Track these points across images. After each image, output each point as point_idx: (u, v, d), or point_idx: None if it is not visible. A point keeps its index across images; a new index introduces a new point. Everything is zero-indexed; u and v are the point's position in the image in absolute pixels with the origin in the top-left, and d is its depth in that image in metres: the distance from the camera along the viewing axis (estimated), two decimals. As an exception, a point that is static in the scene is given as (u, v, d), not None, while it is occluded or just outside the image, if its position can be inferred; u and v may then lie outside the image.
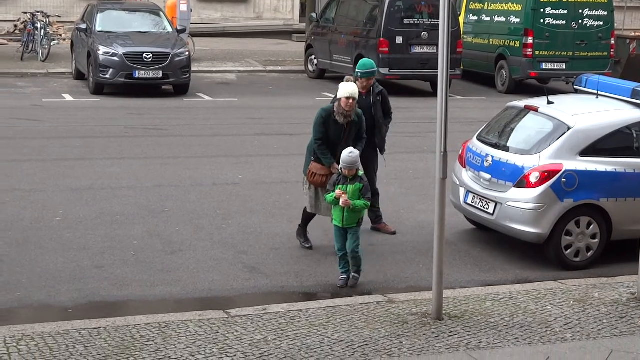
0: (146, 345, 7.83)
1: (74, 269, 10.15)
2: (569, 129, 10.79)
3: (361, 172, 9.95)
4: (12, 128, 18.22)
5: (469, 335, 8.31)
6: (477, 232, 12.08)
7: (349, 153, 9.79)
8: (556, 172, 10.55)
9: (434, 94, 20.88)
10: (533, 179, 10.61)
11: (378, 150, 11.89)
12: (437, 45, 8.61)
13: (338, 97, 10.61)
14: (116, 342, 7.87)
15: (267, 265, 10.51)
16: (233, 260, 10.62)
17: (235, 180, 14.49)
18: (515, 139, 11.38)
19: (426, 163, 15.49)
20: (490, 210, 11.01)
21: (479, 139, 11.79)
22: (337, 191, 9.75)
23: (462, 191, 11.61)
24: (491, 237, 11.77)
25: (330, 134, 10.69)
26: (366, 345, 7.99)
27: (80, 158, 15.70)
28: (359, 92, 11.47)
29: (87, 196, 13.16)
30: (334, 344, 8.00)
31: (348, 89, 10.50)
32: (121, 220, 12.02)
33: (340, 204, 9.70)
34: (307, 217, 11.17)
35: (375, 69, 11.82)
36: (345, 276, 9.94)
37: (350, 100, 10.49)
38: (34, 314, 8.97)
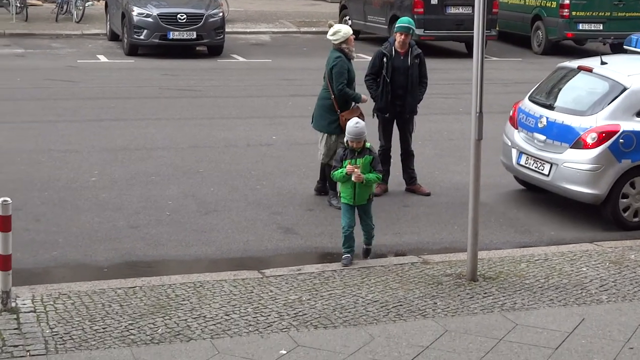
0: (181, 304, 7.88)
1: (110, 228, 10.21)
2: (625, 89, 10.68)
3: (369, 144, 9.24)
4: (47, 89, 18.29)
5: (503, 296, 8.28)
6: (512, 194, 12.01)
7: (355, 124, 9.14)
8: (614, 133, 10.46)
9: (469, 55, 20.70)
10: (590, 140, 10.53)
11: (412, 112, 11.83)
12: (473, 6, 8.52)
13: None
14: (151, 301, 7.92)
15: (301, 226, 10.52)
16: (267, 220, 10.64)
17: (270, 141, 14.48)
18: (569, 100, 11.28)
19: (461, 124, 15.40)
20: (546, 172, 10.94)
21: (531, 99, 11.68)
22: (348, 166, 9.01)
23: (514, 152, 11.56)
24: (527, 199, 11.71)
25: (352, 76, 11.16)
26: (400, 305, 7.99)
27: (115, 119, 15.75)
28: (397, 50, 11.49)
29: (122, 157, 13.21)
30: (368, 304, 8.00)
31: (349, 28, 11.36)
32: (156, 181, 12.07)
33: (353, 179, 8.99)
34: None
35: (412, 26, 11.74)
36: (349, 255, 9.10)
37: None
38: (71, 273, 9.04)
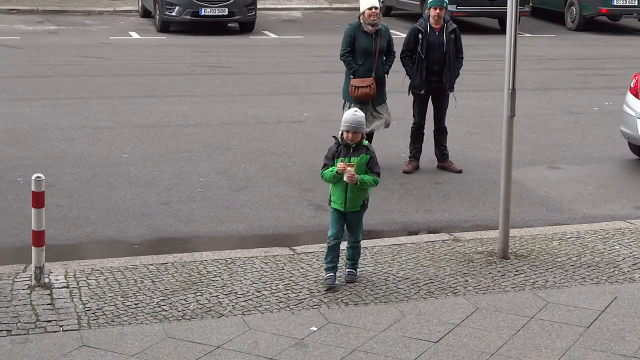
0: (213, 280, 7.91)
1: (141, 205, 10.25)
2: None
3: (366, 141, 7.81)
4: (80, 66, 18.38)
5: (535, 274, 8.25)
6: (543, 171, 11.94)
7: (354, 112, 7.74)
8: None
9: (502, 31, 20.58)
10: None
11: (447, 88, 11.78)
12: (506, -19, 8.45)
13: (361, 11, 11.31)
14: (183, 277, 7.96)
15: (332, 203, 10.50)
16: (298, 197, 10.65)
17: (301, 117, 14.48)
18: None
19: (493, 101, 15.32)
20: None
21: None
22: (340, 164, 7.60)
23: (639, 122, 11.54)
24: (558, 177, 11.64)
25: (361, 46, 11.33)
26: (431, 283, 7.98)
27: (147, 96, 15.80)
28: (432, 26, 11.47)
29: (154, 133, 13.26)
30: (398, 281, 8.00)
31: (367, 1, 11.20)
32: (187, 158, 12.10)
33: (345, 178, 7.58)
34: None
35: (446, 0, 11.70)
36: (332, 274, 7.82)
37: (373, 9, 11.19)
38: (103, 249, 9.10)
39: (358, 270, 8.05)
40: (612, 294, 7.81)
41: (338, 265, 7.89)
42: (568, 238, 9.27)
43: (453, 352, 6.65)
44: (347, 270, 7.99)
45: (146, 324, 7.01)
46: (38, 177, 7.54)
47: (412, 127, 11.89)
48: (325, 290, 7.68)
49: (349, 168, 7.53)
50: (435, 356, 6.59)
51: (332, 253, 7.82)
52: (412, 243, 9.02)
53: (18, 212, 9.73)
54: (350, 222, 7.87)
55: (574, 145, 13.27)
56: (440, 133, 11.93)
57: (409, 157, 11.89)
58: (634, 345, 6.83)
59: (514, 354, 6.65)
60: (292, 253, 8.69)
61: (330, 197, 7.83)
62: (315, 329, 6.99)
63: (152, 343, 6.68)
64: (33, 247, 7.58)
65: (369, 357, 6.57)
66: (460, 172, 11.79)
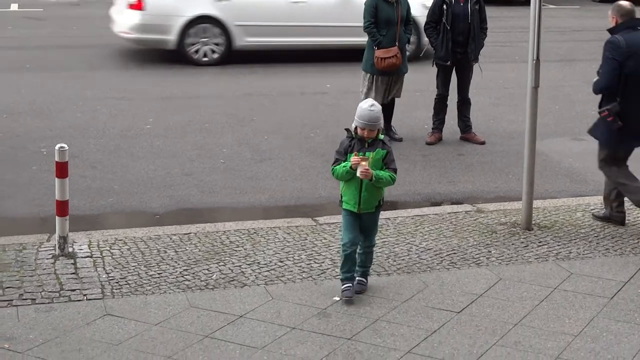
0: (236, 250, 7.92)
1: (164, 176, 10.27)
2: None
3: (382, 136, 6.97)
4: (103, 37, 18.36)
5: (558, 245, 8.22)
6: (567, 143, 11.88)
7: (370, 106, 6.82)
8: None
9: (526, 2, 20.45)
10: None
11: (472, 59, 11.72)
12: (531, -50, 8.38)
13: None
14: (206, 247, 7.97)
15: (355, 174, 10.48)
16: (321, 168, 10.63)
17: (324, 89, 14.44)
18: None
19: (517, 72, 15.24)
20: None
21: None
22: (353, 157, 6.77)
23: None
24: (582, 149, 11.57)
25: (384, 16, 11.29)
26: (454, 253, 7.97)
27: (169, 67, 15.78)
28: None
29: (176, 105, 13.27)
30: (421, 252, 7.99)
31: None
32: (210, 129, 12.10)
33: (358, 174, 6.73)
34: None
35: None
36: (349, 284, 6.99)
37: None
38: (126, 219, 9.13)
39: (369, 277, 7.26)
40: (636, 265, 7.77)
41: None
42: (592, 209, 9.22)
43: (476, 323, 6.65)
44: (357, 278, 7.12)
45: (169, 293, 7.03)
46: (62, 147, 7.56)
47: (435, 99, 11.85)
48: (344, 300, 6.89)
49: (363, 162, 6.73)
50: (458, 326, 6.59)
51: (349, 262, 6.98)
52: (435, 214, 9.01)
53: (42, 182, 9.77)
54: (364, 224, 7.01)
55: (597, 117, 13.15)
56: (464, 104, 11.89)
57: (432, 129, 11.86)
58: (658, 316, 6.80)
59: (537, 324, 6.63)
60: (315, 224, 8.69)
61: (341, 197, 7.01)
62: (337, 299, 6.99)
63: (175, 312, 6.70)
64: (57, 217, 7.61)
65: (391, 326, 6.57)
66: (483, 143, 11.75)
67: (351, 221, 6.93)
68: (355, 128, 6.83)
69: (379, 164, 6.85)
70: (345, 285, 6.97)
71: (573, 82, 15.28)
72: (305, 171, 10.56)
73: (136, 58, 16.46)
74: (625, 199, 8.74)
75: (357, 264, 7.06)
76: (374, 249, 7.25)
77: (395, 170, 6.91)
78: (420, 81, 13.49)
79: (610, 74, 8.35)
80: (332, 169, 6.91)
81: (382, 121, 6.87)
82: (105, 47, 17.39)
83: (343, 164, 6.83)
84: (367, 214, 6.98)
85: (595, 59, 9.47)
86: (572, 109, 13.57)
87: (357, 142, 6.85)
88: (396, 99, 11.81)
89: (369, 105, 6.80)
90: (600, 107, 8.61)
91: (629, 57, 8.31)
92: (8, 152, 10.90)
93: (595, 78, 8.57)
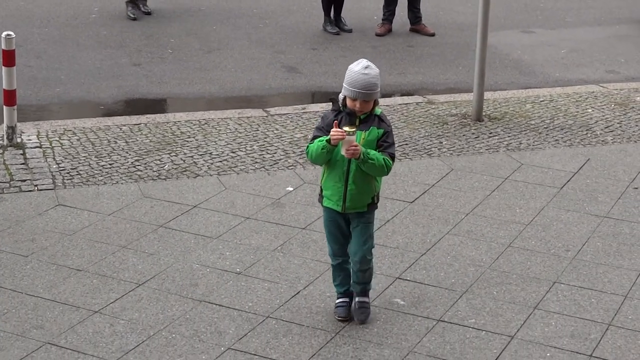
0: (187, 141, 7.87)
1: (112, 66, 10.11)
2: None
3: (379, 110, 5.15)
4: None
5: (508, 136, 8.28)
6: (515, 35, 11.87)
7: (364, 68, 5.01)
8: None
9: None
10: None
11: None
12: None
13: None
14: (157, 138, 7.90)
15: (305, 65, 10.42)
16: (271, 59, 10.54)
17: (272, -21, 14.22)
18: None
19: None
20: None
21: None
22: (334, 130, 4.90)
23: None
24: (531, 42, 11.58)
25: None
26: (406, 144, 7.99)
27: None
28: None
29: (122, -6, 12.99)
30: (373, 143, 7.99)
31: None
32: (157, 18, 11.89)
33: (343, 152, 4.93)
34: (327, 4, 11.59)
35: None
36: (344, 300, 5.35)
37: None
38: (74, 109, 8.99)
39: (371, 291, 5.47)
40: (585, 156, 7.86)
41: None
42: (541, 101, 9.28)
43: (429, 212, 6.70)
44: (356, 299, 5.36)
45: (121, 183, 6.99)
46: (8, 34, 7.39)
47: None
48: (338, 319, 5.30)
49: (348, 137, 4.90)
50: (411, 215, 6.64)
51: (341, 273, 5.35)
52: (386, 105, 8.99)
53: (-14, 72, 9.56)
54: (354, 229, 5.21)
55: (547, 10, 13.18)
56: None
57: (382, 20, 11.77)
58: (606, 205, 6.90)
59: (489, 213, 6.71)
60: (266, 114, 8.64)
61: (321, 190, 5.24)
62: (291, 189, 7.00)
63: (128, 202, 6.67)
64: (5, 107, 7.48)
65: (345, 216, 6.59)
66: (433, 35, 11.69)
67: (336, 224, 5.23)
68: (344, 99, 5.05)
69: (373, 146, 5.03)
70: (339, 301, 5.37)
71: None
72: (255, 62, 10.45)
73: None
74: None
75: (352, 280, 5.35)
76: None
77: (392, 157, 5.06)
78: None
79: None
80: (307, 147, 5.11)
81: (379, 89, 5.08)
82: None
83: (320, 139, 5.01)
84: (356, 215, 5.17)
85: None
86: (522, 1, 13.53)
87: (346, 117, 5.03)
88: None
89: (363, 67, 5.01)
90: None
91: None
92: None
93: None
